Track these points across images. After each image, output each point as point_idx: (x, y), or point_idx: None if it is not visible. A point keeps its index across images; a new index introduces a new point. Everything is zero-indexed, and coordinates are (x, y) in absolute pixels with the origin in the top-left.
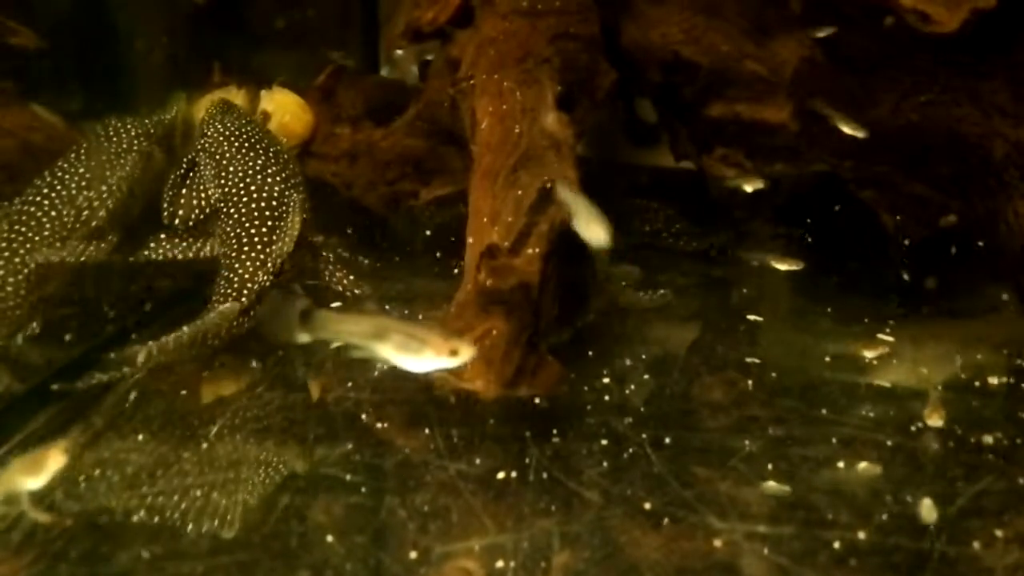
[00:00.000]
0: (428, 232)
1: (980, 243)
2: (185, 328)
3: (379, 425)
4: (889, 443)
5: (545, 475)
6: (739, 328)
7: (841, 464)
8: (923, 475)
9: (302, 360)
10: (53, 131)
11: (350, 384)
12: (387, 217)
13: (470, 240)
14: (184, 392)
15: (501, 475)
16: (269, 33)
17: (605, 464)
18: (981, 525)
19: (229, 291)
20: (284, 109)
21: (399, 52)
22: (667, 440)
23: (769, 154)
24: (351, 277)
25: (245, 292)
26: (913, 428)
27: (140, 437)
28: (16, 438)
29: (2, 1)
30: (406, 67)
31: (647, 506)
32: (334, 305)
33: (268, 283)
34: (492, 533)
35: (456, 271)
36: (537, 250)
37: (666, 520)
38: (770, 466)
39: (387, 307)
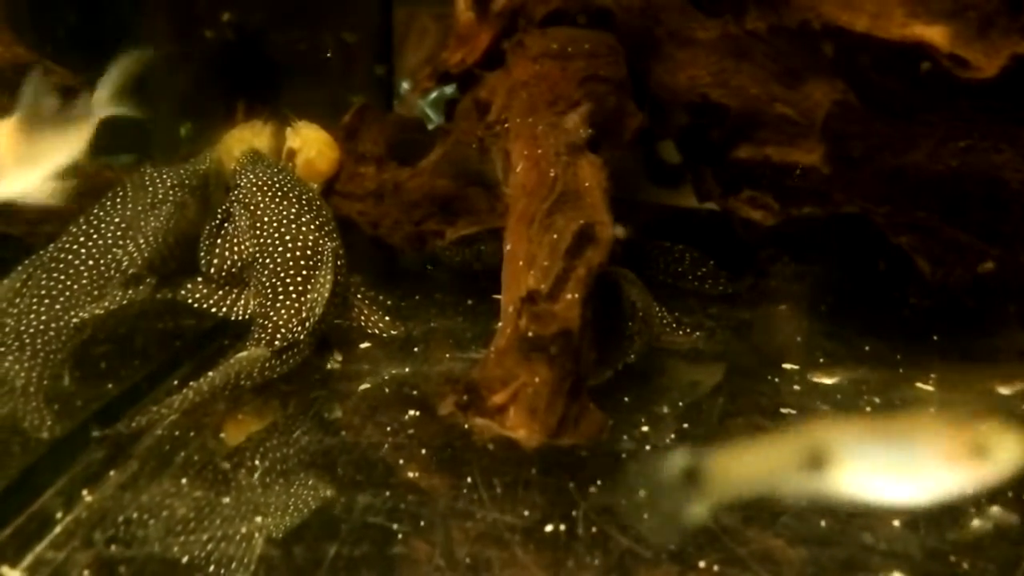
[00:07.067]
0: (448, 271)
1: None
2: (211, 373)
3: (418, 472)
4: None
5: (594, 528)
6: (771, 374)
7: (896, 523)
8: (981, 534)
9: (335, 402)
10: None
11: (388, 429)
12: (405, 255)
13: (506, 284)
14: (222, 435)
15: (549, 527)
16: (286, 69)
17: (648, 516)
18: None
19: (263, 336)
20: (311, 146)
21: (405, 87)
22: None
23: (798, 196)
24: (386, 319)
25: (278, 338)
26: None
27: (182, 481)
28: (60, 481)
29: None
30: (412, 102)
31: (701, 564)
32: (363, 346)
33: (302, 333)
34: None
35: (474, 308)
36: (576, 295)
37: None
38: (823, 523)
39: (415, 349)
